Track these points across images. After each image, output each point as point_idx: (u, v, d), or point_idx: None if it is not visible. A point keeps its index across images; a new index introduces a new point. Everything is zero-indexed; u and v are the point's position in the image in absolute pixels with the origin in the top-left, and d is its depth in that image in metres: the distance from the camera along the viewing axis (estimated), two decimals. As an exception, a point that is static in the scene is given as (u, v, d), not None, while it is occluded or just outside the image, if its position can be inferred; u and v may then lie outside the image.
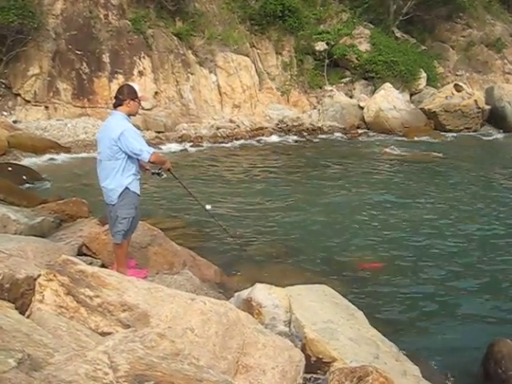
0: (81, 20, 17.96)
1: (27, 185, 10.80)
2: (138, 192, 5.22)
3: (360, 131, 19.80)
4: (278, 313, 4.55)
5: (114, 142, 4.93)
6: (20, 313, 3.42)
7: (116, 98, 5.16)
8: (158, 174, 5.42)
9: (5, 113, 16.33)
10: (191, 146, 16.51)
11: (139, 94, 5.23)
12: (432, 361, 5.13)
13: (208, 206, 9.46)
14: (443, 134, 19.68)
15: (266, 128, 18.87)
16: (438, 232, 8.95)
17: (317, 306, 4.73)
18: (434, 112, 20.31)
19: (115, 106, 5.16)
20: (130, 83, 5.72)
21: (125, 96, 5.09)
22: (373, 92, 21.25)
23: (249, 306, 4.59)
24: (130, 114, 5.16)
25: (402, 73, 21.82)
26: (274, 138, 18.16)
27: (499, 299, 6.62)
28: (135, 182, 5.15)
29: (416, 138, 18.45)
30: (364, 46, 22.30)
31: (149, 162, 5.07)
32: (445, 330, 5.84)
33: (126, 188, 5.06)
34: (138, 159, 5.08)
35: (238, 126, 18.73)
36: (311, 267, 7.33)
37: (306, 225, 9.23)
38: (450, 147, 17.29)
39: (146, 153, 4.95)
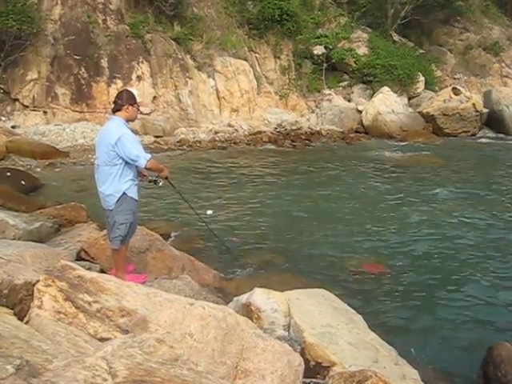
0: (79, 25, 18.02)
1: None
2: (136, 197, 5.21)
3: (358, 135, 19.84)
4: (276, 317, 4.54)
5: (111, 148, 4.92)
6: (18, 319, 3.41)
7: (115, 103, 5.16)
8: (155, 181, 5.41)
9: (3, 118, 16.34)
10: (190, 151, 16.52)
11: (138, 100, 5.24)
12: (431, 364, 5.12)
13: (209, 212, 9.51)
14: (441, 137, 19.73)
15: (265, 132, 18.89)
16: (437, 236, 8.94)
17: (316, 311, 4.72)
18: (433, 115, 20.38)
19: (114, 111, 5.16)
20: (129, 88, 5.73)
21: (124, 101, 5.09)
22: (371, 96, 21.31)
23: (248, 311, 4.58)
24: (128, 120, 5.16)
25: (400, 76, 21.91)
26: (273, 142, 18.16)
27: (498, 303, 6.61)
28: (133, 188, 5.15)
29: (414, 142, 18.48)
30: (362, 50, 22.39)
31: (145, 168, 5.07)
32: (444, 334, 5.83)
33: (124, 193, 5.06)
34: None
35: (237, 130, 18.76)
36: (310, 271, 7.31)
37: (305, 229, 9.22)
38: (448, 151, 17.31)
39: (143, 159, 4.95)
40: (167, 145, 16.84)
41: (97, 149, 5.19)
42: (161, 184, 5.46)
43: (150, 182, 5.45)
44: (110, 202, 5.08)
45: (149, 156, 5.02)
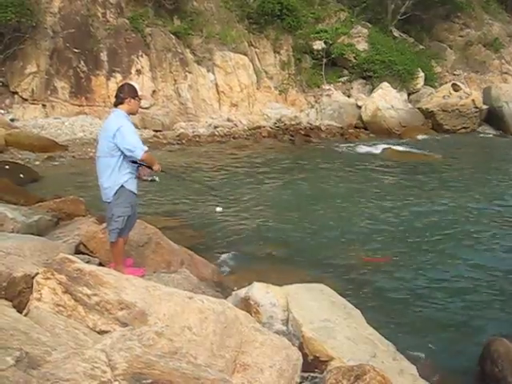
0: (79, 18, 17.94)
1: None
2: (135, 191, 5.19)
3: (357, 130, 19.81)
4: (275, 311, 4.56)
5: (110, 139, 4.93)
6: (18, 311, 3.42)
7: (117, 96, 5.15)
8: (153, 180, 5.29)
9: (2, 111, 16.29)
10: (189, 145, 16.49)
11: (139, 93, 5.24)
12: (429, 360, 5.14)
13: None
14: (441, 133, 19.72)
15: (264, 127, 18.84)
16: (434, 231, 8.96)
17: (314, 305, 4.74)
18: (432, 111, 20.34)
19: (116, 105, 5.15)
20: (130, 82, 5.73)
21: (126, 94, 5.09)
22: (370, 91, 21.27)
23: (246, 305, 4.59)
24: (130, 113, 5.15)
25: (400, 72, 21.86)
26: (272, 137, 18.12)
27: (497, 299, 6.63)
28: (131, 181, 5.12)
29: (413, 138, 18.46)
30: (362, 46, 22.32)
31: (141, 160, 4.98)
32: (442, 329, 5.85)
33: (122, 186, 5.04)
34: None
35: (236, 124, 18.72)
36: (309, 266, 7.33)
37: (304, 224, 9.23)
38: (447, 147, 17.31)
39: (140, 149, 4.90)
40: (166, 139, 16.80)
41: (99, 141, 5.21)
42: (157, 179, 5.38)
43: (151, 181, 5.32)
44: (108, 195, 5.07)
45: (145, 148, 5.00)
